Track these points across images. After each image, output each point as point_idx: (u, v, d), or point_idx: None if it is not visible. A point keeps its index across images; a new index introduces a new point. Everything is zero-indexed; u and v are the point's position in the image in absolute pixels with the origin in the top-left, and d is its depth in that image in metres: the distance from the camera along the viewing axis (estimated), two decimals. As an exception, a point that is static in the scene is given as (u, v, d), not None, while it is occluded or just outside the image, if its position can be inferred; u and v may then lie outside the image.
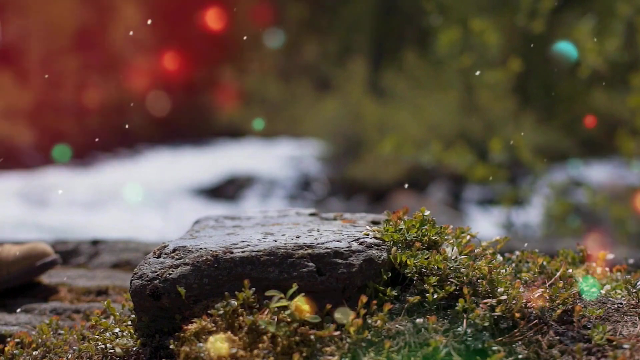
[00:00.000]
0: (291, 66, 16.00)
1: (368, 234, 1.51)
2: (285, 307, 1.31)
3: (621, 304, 1.45)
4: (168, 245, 1.50)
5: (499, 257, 1.58)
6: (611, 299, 1.48)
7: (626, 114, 4.42)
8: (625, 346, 1.27)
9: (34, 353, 1.45)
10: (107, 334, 1.43)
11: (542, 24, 4.45)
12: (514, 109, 6.13)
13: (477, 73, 5.13)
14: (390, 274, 1.42)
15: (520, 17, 4.48)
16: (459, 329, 1.29)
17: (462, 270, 1.41)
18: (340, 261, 1.39)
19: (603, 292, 1.52)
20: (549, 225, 5.31)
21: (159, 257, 1.47)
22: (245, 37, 15.48)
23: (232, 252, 1.41)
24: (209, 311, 1.34)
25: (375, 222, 1.70)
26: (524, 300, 1.35)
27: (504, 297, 1.34)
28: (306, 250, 1.40)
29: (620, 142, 4.47)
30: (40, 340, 1.49)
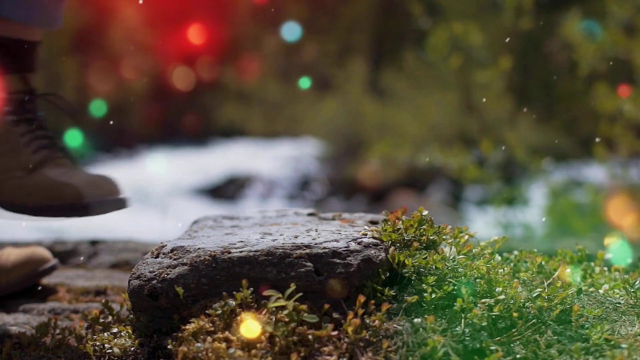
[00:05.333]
0: (291, 66, 15.99)
1: (366, 234, 1.51)
2: (283, 307, 1.31)
3: (619, 303, 1.45)
4: (166, 245, 1.50)
5: (497, 257, 1.58)
6: (609, 298, 1.48)
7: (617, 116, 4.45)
8: (623, 346, 1.27)
9: (32, 353, 1.45)
10: (105, 334, 1.43)
11: (529, 21, 4.46)
12: (513, 109, 6.15)
13: (470, 73, 5.15)
14: (388, 274, 1.42)
15: (506, 15, 4.49)
16: (457, 328, 1.29)
17: (460, 270, 1.41)
18: (338, 261, 1.39)
19: (601, 291, 1.52)
20: (550, 225, 5.31)
21: (157, 257, 1.47)
22: (244, 37, 15.46)
23: (230, 252, 1.41)
24: (207, 311, 1.34)
25: (373, 222, 1.70)
26: (522, 300, 1.35)
27: (502, 296, 1.34)
28: (304, 250, 1.40)
29: (595, 150, 4.50)
30: (38, 341, 1.49)
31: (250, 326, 1.27)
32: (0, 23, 1.67)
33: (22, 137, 1.69)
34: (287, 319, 1.29)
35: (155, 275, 1.41)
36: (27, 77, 1.73)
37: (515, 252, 1.69)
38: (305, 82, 13.79)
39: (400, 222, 1.52)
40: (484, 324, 1.29)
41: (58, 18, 1.75)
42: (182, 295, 1.37)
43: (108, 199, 1.66)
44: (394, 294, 1.38)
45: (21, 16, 1.67)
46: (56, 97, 1.80)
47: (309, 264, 1.38)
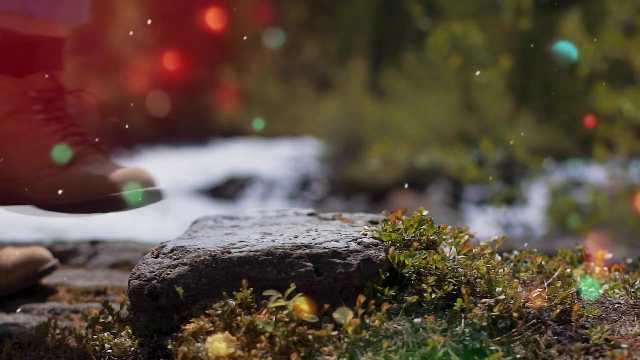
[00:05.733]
0: (291, 66, 15.99)
1: (366, 234, 1.51)
2: (283, 307, 1.31)
3: (619, 303, 1.46)
4: (166, 245, 1.50)
5: (497, 257, 1.58)
6: (609, 298, 1.48)
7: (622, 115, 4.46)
8: (623, 345, 1.27)
9: (32, 353, 1.45)
10: (105, 334, 1.43)
11: (528, 21, 4.47)
12: (513, 109, 6.15)
13: (470, 73, 5.15)
14: (388, 274, 1.42)
15: (505, 16, 4.49)
16: (457, 328, 1.29)
17: (460, 270, 1.41)
18: (338, 261, 1.39)
19: (601, 291, 1.52)
20: (550, 225, 5.31)
21: (157, 257, 1.47)
22: (245, 38, 15.48)
23: (230, 252, 1.41)
24: (207, 311, 1.34)
25: (373, 222, 1.69)
26: (522, 300, 1.35)
27: (502, 296, 1.34)
28: (304, 250, 1.40)
29: (595, 151, 4.50)
30: (38, 341, 1.49)
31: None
32: (25, 20, 1.66)
33: (53, 135, 1.68)
34: (287, 319, 1.29)
35: (155, 275, 1.41)
36: (55, 75, 1.72)
37: (515, 252, 1.69)
38: (259, 124, 13.84)
39: (400, 222, 1.52)
40: (484, 324, 1.29)
41: (83, 13, 1.74)
42: (182, 295, 1.37)
43: (144, 192, 1.63)
44: (394, 294, 1.38)
45: (46, 12, 1.66)
46: (85, 94, 1.79)
47: (309, 264, 1.38)
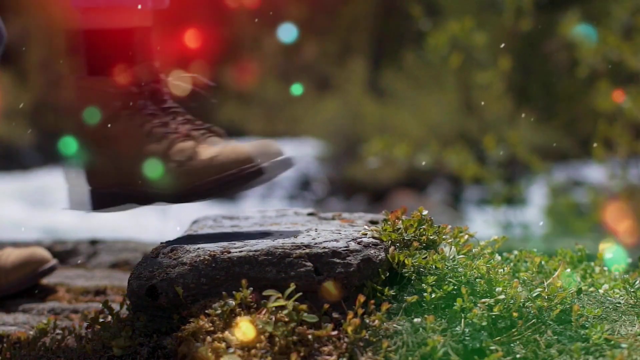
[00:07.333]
0: (291, 66, 15.98)
1: (366, 234, 1.50)
2: (283, 307, 1.31)
3: (619, 303, 1.45)
4: (166, 245, 1.50)
5: (497, 257, 1.57)
6: (609, 298, 1.48)
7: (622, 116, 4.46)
8: (623, 345, 1.27)
9: (32, 353, 1.45)
10: (105, 334, 1.43)
11: (528, 22, 4.48)
12: (513, 109, 6.16)
13: (470, 73, 5.16)
14: (388, 274, 1.42)
15: (506, 16, 4.50)
16: (457, 328, 1.29)
17: (460, 269, 1.41)
18: (338, 261, 1.39)
19: (601, 291, 1.52)
20: (550, 225, 5.32)
21: (156, 257, 1.46)
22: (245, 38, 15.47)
23: (229, 252, 1.41)
24: (206, 311, 1.34)
25: (373, 222, 1.69)
26: (522, 300, 1.35)
27: (502, 296, 1.34)
28: (304, 249, 1.40)
29: (594, 151, 4.51)
30: (38, 341, 1.49)
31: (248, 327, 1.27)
32: (111, 14, 1.62)
33: (140, 128, 1.64)
34: (286, 319, 1.29)
35: (154, 275, 1.41)
36: (151, 66, 1.66)
37: (515, 252, 1.69)
38: (297, 89, 13.45)
39: (400, 221, 1.52)
40: (484, 324, 1.29)
41: None
42: (181, 295, 1.37)
43: (244, 171, 1.56)
44: (393, 293, 1.38)
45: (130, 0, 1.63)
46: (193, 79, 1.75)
47: (308, 263, 1.38)
